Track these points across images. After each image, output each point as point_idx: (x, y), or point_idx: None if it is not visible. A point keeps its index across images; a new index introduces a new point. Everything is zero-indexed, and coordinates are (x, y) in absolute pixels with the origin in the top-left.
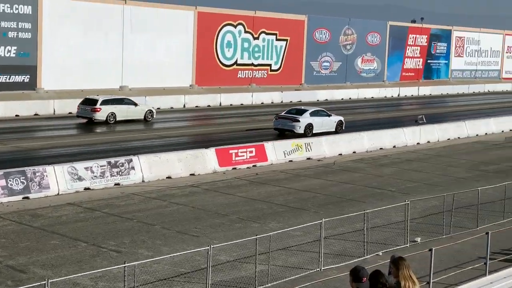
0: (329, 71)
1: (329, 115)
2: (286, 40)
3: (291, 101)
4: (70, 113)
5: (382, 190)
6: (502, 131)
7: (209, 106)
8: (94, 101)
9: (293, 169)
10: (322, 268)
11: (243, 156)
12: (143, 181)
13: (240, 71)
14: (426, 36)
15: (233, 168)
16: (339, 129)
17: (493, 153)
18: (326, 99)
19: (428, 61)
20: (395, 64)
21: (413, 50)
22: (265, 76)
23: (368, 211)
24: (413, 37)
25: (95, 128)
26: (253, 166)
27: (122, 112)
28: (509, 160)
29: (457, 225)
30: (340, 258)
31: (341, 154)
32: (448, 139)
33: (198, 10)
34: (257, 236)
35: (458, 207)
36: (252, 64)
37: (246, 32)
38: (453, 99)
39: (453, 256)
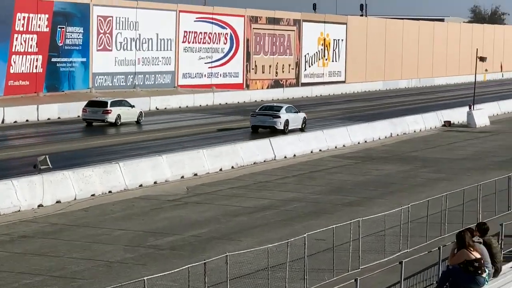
0: None
1: (298, 112)
2: None
3: None
4: None
5: None
6: (182, 177)
7: None
8: (278, 108)
9: None
10: None
11: None
12: None
13: None
14: (48, 16)
15: None
16: (303, 126)
17: (166, 215)
18: None
19: (53, 59)
20: None
21: (25, 41)
22: None
23: None
24: (24, 17)
25: None
26: None
27: (125, 114)
28: (191, 227)
29: None
30: None
31: None
32: (93, 195)
33: None
34: None
35: None
36: None
37: None
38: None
39: None
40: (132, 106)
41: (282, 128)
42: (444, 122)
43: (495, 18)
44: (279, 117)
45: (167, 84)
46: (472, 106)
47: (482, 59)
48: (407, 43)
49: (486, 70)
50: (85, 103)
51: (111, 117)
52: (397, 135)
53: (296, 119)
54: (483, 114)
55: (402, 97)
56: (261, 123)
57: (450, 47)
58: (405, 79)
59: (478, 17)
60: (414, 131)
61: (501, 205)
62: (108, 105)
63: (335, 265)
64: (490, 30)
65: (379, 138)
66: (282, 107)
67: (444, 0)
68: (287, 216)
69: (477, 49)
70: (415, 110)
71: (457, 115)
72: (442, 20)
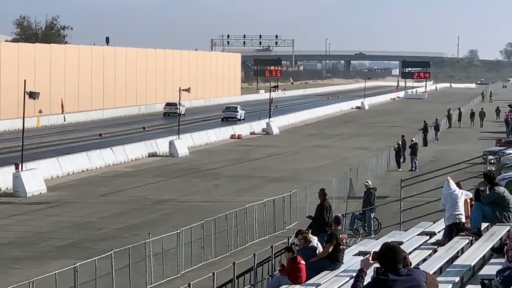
0: None
1: (243, 109)
2: None
3: None
4: None
5: None
6: None
7: None
8: (235, 108)
9: None
10: None
11: None
12: None
13: None
14: None
15: None
16: (244, 118)
17: None
18: None
19: None
20: None
21: None
22: None
23: None
24: None
25: None
26: None
27: (242, 113)
28: None
29: None
30: None
31: None
32: None
33: None
34: None
35: None
36: None
37: None
38: None
39: None
40: (243, 109)
41: (239, 118)
42: None
43: (51, 34)
44: (238, 112)
45: None
46: (20, 166)
47: (33, 95)
48: None
49: (40, 111)
50: None
51: (238, 115)
52: None
53: (242, 114)
54: (36, 176)
55: None
56: (229, 115)
57: None
58: None
59: (27, 34)
60: None
61: None
62: (238, 109)
63: None
64: (45, 52)
65: None
66: (237, 107)
67: None
68: None
69: (25, 80)
70: None
71: None
72: None
